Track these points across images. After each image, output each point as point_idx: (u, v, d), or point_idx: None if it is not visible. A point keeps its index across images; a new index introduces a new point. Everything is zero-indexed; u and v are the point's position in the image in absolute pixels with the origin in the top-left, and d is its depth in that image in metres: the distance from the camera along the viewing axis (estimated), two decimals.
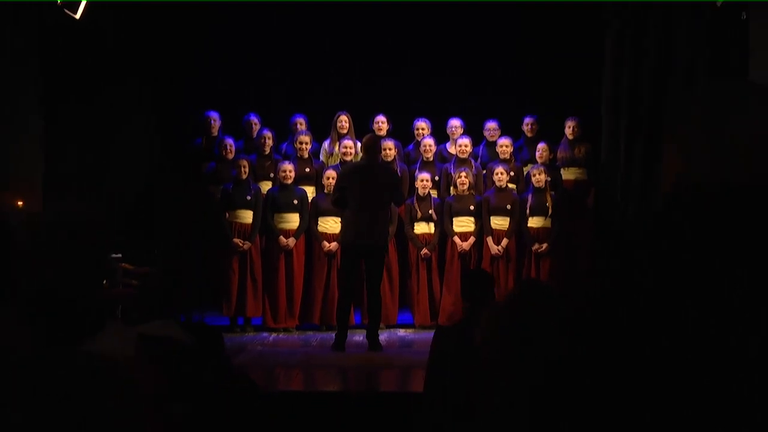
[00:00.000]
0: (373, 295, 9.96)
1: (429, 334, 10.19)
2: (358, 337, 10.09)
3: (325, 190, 10.80)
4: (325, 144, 11.50)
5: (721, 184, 2.22)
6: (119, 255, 9.18)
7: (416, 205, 10.86)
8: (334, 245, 10.82)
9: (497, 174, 10.88)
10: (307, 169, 11.09)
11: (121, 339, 3.34)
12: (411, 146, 11.39)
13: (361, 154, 10.87)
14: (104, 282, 8.93)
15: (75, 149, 10.49)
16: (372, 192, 9.70)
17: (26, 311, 3.13)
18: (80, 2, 9.87)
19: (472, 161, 11.23)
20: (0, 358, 2.31)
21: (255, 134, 11.32)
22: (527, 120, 11.49)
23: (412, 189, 10.93)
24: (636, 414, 2.17)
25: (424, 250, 10.92)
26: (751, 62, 9.47)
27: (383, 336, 10.07)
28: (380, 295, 10.10)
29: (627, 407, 2.20)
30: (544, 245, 10.80)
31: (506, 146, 11.21)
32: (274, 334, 10.63)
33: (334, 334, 10.08)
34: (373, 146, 9.99)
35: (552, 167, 11.16)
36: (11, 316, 2.57)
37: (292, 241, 10.85)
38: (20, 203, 9.30)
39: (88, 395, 2.36)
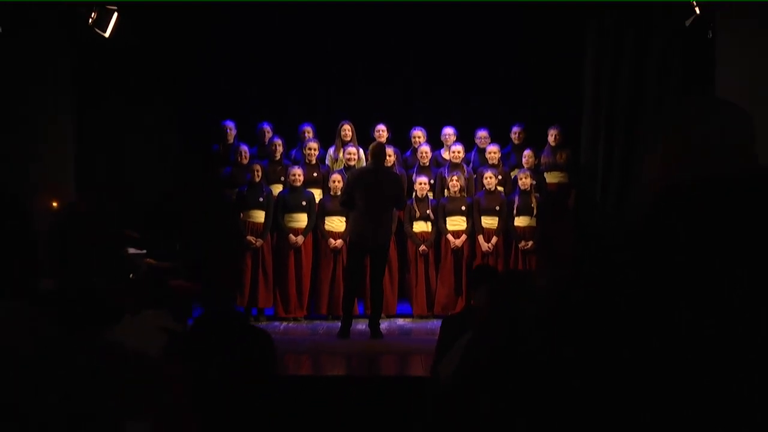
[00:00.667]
0: (376, 288, 9.99)
1: (426, 324, 10.28)
2: (361, 325, 10.09)
3: (331, 193, 10.78)
4: (331, 150, 11.49)
5: (716, 181, 2.12)
6: (144, 251, 9.18)
7: (415, 205, 10.86)
8: (339, 242, 10.82)
9: (487, 178, 10.87)
10: (315, 174, 11.08)
11: (149, 333, 3.27)
12: (408, 152, 11.39)
13: (363, 160, 11.02)
14: (130, 275, 8.95)
15: (104, 155, 10.47)
16: (377, 196, 9.71)
17: (48, 303, 3.07)
18: (109, 23, 9.85)
19: (464, 166, 11.22)
20: (23, 348, 2.22)
21: (267, 141, 11.31)
22: (515, 129, 11.50)
23: (411, 191, 10.90)
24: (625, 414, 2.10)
25: (422, 247, 10.92)
26: (717, 77, 9.42)
27: (384, 325, 10.08)
28: (383, 288, 10.13)
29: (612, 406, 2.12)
30: (530, 243, 10.82)
31: (495, 152, 11.22)
32: (284, 323, 10.62)
33: (339, 323, 10.11)
34: (379, 153, 9.97)
35: (536, 171, 11.19)
36: (32, 309, 2.51)
37: (300, 239, 10.84)
38: (54, 204, 9.26)
39: (108, 381, 2.27)
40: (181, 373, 3.19)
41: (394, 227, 10.47)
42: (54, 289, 3.15)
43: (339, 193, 10.62)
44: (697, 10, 9.77)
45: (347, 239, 10.65)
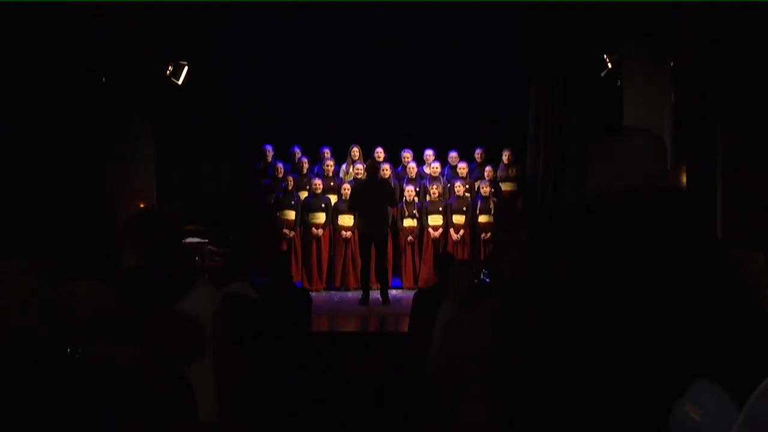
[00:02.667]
0: (380, 267, 10.00)
1: (412, 293, 10.25)
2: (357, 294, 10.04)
3: (343, 198, 10.79)
4: (343, 166, 11.48)
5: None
6: (207, 240, 9.19)
7: (404, 207, 10.86)
8: (349, 234, 10.85)
9: (457, 187, 10.90)
10: (331, 184, 11.09)
11: (207, 298, 3.22)
12: (400, 168, 11.36)
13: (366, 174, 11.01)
14: (196, 258, 8.95)
15: (177, 171, 10.48)
16: (375, 199, 9.78)
17: (129, 280, 3.04)
18: (181, 74, 9.89)
19: (441, 178, 11.24)
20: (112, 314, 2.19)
21: (296, 160, 11.32)
22: (477, 150, 11.47)
23: (401, 196, 10.91)
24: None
25: (410, 237, 10.94)
26: (624, 113, 9.42)
27: (375, 294, 10.03)
28: (385, 266, 10.19)
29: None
30: (489, 234, 10.85)
31: (463, 168, 11.24)
32: (310, 293, 10.55)
33: (350, 293, 10.40)
34: (372, 168, 10.07)
35: (494, 182, 11.20)
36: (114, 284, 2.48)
37: (320, 231, 10.87)
38: (141, 205, 9.26)
39: (177, 340, 2.23)
40: (223, 332, 3.17)
41: (389, 222, 10.42)
42: (140, 266, 3.13)
43: (349, 198, 10.68)
44: (609, 65, 9.78)
45: (355, 231, 10.66)
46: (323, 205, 10.85)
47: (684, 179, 8.04)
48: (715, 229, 7.16)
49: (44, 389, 2.09)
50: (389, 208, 10.19)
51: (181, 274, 3.21)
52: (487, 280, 4.20)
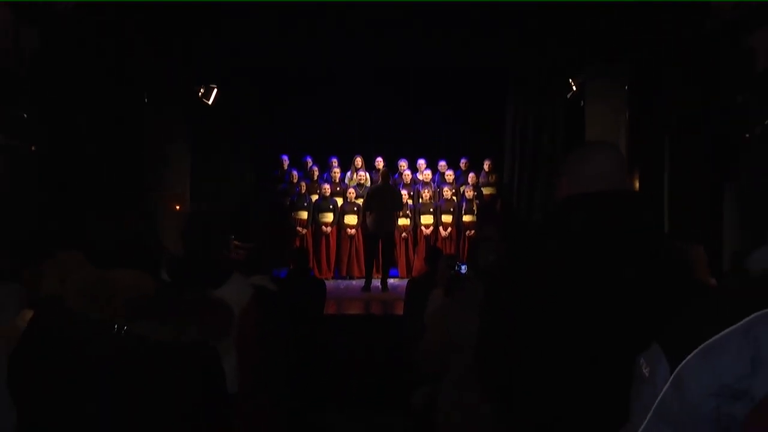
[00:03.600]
0: (386, 260, 10.07)
1: (406, 282, 10.26)
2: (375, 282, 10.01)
3: (348, 200, 10.80)
4: (348, 173, 11.44)
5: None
6: (233, 236, 9.16)
7: None
8: (353, 231, 10.83)
9: (445, 191, 10.94)
10: (338, 188, 11.08)
11: (242, 288, 3.21)
12: (396, 175, 11.32)
13: (368, 180, 11.12)
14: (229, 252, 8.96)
15: (208, 177, 10.50)
16: (386, 203, 9.79)
17: (173, 270, 3.03)
18: (211, 95, 9.90)
19: (431, 184, 11.22)
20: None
21: (308, 168, 11.33)
22: (462, 160, 11.48)
23: None
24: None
25: (404, 234, 10.93)
26: (586, 130, 9.43)
27: (375, 282, 10.01)
28: (389, 260, 10.24)
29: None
30: (472, 231, 10.79)
31: (450, 175, 11.23)
32: None
33: (354, 282, 10.38)
34: (385, 176, 10.11)
35: (476, 187, 11.18)
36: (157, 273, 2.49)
37: (329, 229, 10.86)
38: (177, 207, 9.25)
39: (206, 319, 2.23)
40: (253, 322, 3.16)
41: (396, 222, 10.41)
42: (192, 257, 3.12)
43: (354, 200, 10.76)
44: (574, 88, 9.78)
45: (358, 229, 10.67)
46: (331, 207, 10.84)
47: (637, 184, 8.05)
48: (662, 225, 7.18)
49: (96, 360, 2.11)
50: (396, 210, 10.17)
51: (223, 267, 3.20)
52: (463, 270, 4.18)
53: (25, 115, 5.69)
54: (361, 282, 10.13)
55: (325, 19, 8.20)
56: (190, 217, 3.29)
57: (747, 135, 5.75)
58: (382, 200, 9.80)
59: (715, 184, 6.89)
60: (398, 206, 10.09)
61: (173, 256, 3.21)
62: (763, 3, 5.71)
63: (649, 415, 1.28)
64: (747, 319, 1.22)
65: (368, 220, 10.07)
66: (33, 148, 5.85)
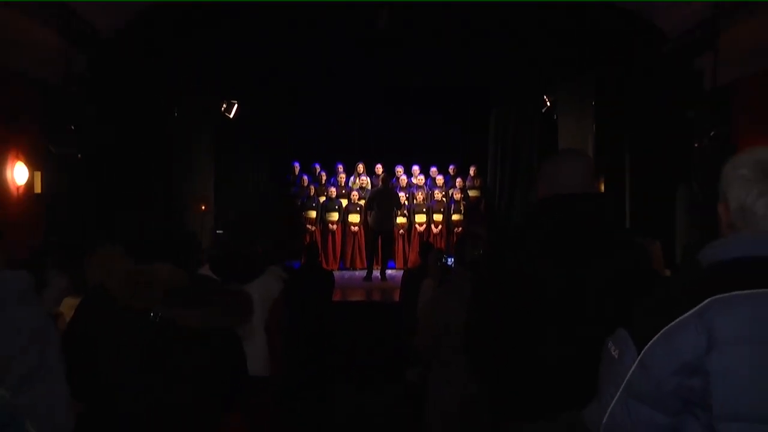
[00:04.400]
0: (386, 253, 10.00)
1: (402, 272, 10.26)
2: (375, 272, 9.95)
3: (351, 201, 10.77)
4: (351, 178, 11.38)
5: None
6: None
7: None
8: (356, 228, 10.79)
9: (436, 193, 10.92)
10: (343, 191, 11.05)
11: (274, 282, 3.21)
12: (394, 179, 11.26)
13: (369, 184, 11.04)
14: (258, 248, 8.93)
15: (229, 181, 10.49)
16: (386, 203, 9.77)
17: (217, 265, 3.03)
18: (232, 110, 9.86)
19: (424, 187, 11.18)
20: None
21: (317, 173, 11.28)
22: (451, 166, 11.47)
23: None
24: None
25: (401, 231, 10.89)
26: (559, 140, 9.42)
27: (376, 273, 9.99)
28: (388, 253, 10.17)
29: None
30: (460, 228, 10.77)
31: (440, 180, 11.20)
32: None
33: (356, 272, 10.29)
34: (385, 180, 10.18)
35: (463, 190, 11.16)
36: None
37: (334, 226, 10.82)
38: (203, 207, 9.24)
39: (228, 307, 2.22)
40: (282, 310, 3.17)
41: (395, 220, 10.35)
42: (232, 254, 3.11)
43: (356, 201, 10.70)
44: (548, 104, 9.77)
45: (360, 226, 10.62)
46: (336, 207, 10.81)
47: (602, 186, 8.06)
48: (624, 222, 7.19)
49: (136, 342, 2.11)
50: (395, 210, 10.15)
51: (259, 262, 3.19)
52: (449, 262, 4.17)
53: (73, 128, 5.71)
54: (363, 272, 10.10)
55: (332, 50, 8.17)
56: (229, 221, 3.29)
57: (696, 144, 5.76)
58: (383, 201, 9.80)
59: (669, 186, 6.90)
60: (397, 206, 10.09)
61: (216, 254, 3.21)
62: (709, 31, 5.73)
63: (619, 392, 1.30)
64: (701, 304, 1.23)
65: (370, 219, 10.05)
66: (80, 156, 5.87)
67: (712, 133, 5.64)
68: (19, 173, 5.59)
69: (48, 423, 1.59)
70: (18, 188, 5.60)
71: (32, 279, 1.73)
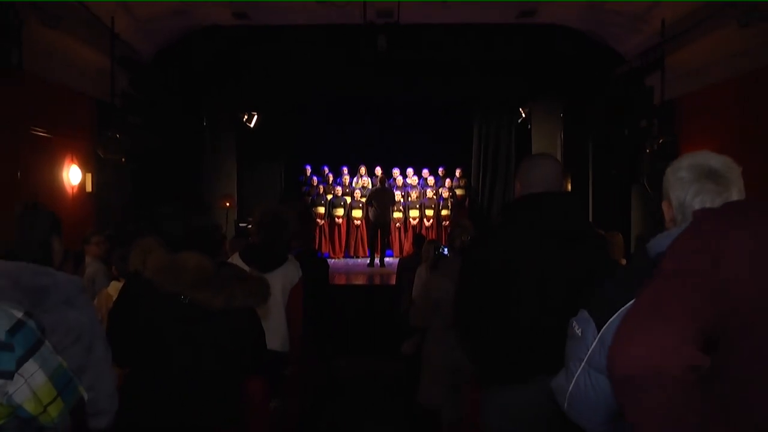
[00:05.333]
0: (383, 243, 9.93)
1: (398, 260, 10.19)
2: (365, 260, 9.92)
3: (354, 198, 10.68)
4: (354, 179, 11.28)
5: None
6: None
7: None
8: (359, 222, 10.70)
9: (428, 192, 10.81)
10: (347, 190, 10.95)
11: (293, 270, 3.18)
12: (391, 180, 11.22)
13: (370, 184, 10.92)
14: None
15: (250, 182, 10.43)
16: (383, 200, 9.73)
17: (248, 255, 3.00)
18: (253, 119, 9.81)
19: (417, 186, 11.09)
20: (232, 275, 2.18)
21: (325, 175, 11.16)
22: (440, 169, 11.29)
23: None
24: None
25: (398, 224, 10.82)
26: (533, 147, 9.36)
27: (376, 260, 9.93)
28: (386, 243, 10.10)
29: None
30: (448, 222, 10.71)
31: (431, 180, 11.08)
32: (332, 260, 10.42)
33: (359, 260, 10.16)
34: (382, 180, 10.07)
35: (451, 189, 11.06)
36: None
37: (340, 221, 10.74)
38: (227, 204, 9.21)
39: (249, 290, 2.21)
40: (301, 294, 3.15)
41: (391, 215, 10.28)
42: (259, 244, 3.06)
43: (359, 199, 10.59)
44: (524, 114, 9.72)
45: (363, 221, 10.54)
46: (342, 204, 10.72)
47: (569, 186, 8.05)
48: (588, 217, 7.18)
49: (169, 322, 2.11)
50: (391, 206, 10.10)
51: (281, 252, 3.15)
52: (445, 251, 4.17)
53: (119, 136, 5.76)
54: (365, 260, 10.08)
55: (338, 69, 8.09)
56: (261, 213, 3.22)
57: (647, 150, 5.77)
58: (381, 199, 9.76)
59: (625, 185, 6.91)
60: (393, 203, 10.05)
61: (250, 245, 3.19)
62: (658, 54, 5.78)
63: (582, 365, 1.30)
64: None
65: (370, 214, 10.05)
66: (123, 160, 5.90)
67: (660, 141, 5.67)
68: (73, 175, 5.69)
69: (92, 407, 1.60)
70: (73, 188, 5.71)
71: (82, 283, 1.73)
